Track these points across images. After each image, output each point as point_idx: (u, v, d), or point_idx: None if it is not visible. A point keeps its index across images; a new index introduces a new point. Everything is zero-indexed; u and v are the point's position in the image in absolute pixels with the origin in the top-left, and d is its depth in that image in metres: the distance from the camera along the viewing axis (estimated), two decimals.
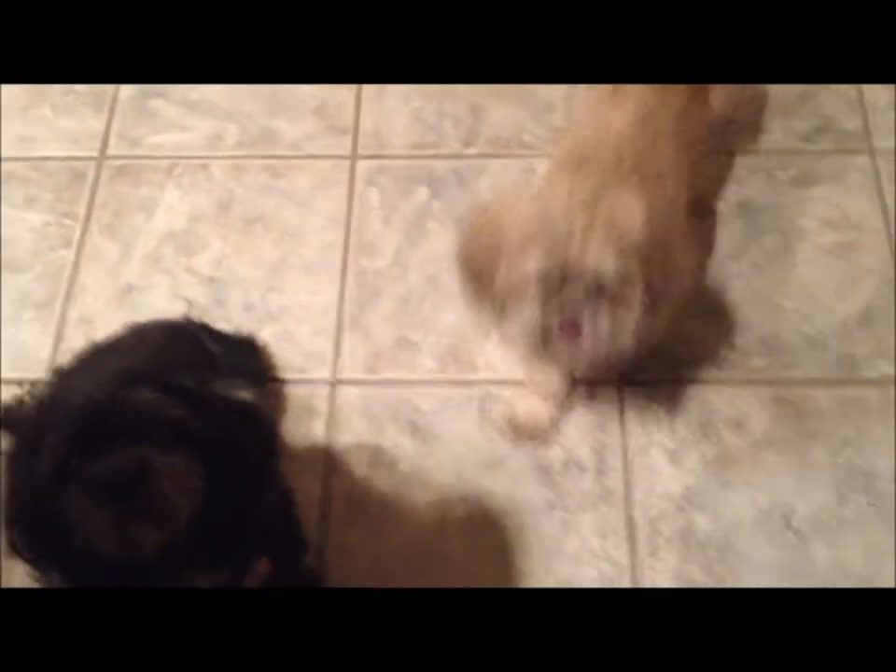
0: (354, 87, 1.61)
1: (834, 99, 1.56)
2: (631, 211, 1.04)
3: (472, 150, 1.56)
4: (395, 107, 1.59)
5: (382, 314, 1.42)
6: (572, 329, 1.04)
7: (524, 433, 1.32)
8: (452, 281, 1.44)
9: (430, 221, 1.50)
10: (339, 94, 1.60)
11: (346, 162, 1.55)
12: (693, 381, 1.35)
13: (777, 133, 1.54)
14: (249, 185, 1.53)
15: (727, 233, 1.46)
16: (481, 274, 1.11)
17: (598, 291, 1.02)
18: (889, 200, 1.47)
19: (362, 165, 1.55)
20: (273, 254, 1.47)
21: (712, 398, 1.34)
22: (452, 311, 1.42)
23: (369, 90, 1.61)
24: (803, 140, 1.54)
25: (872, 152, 1.52)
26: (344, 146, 1.56)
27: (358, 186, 1.53)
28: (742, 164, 1.51)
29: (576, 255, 1.01)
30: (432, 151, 1.56)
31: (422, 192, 1.52)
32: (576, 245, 1.01)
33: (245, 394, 1.12)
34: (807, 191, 1.49)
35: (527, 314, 1.05)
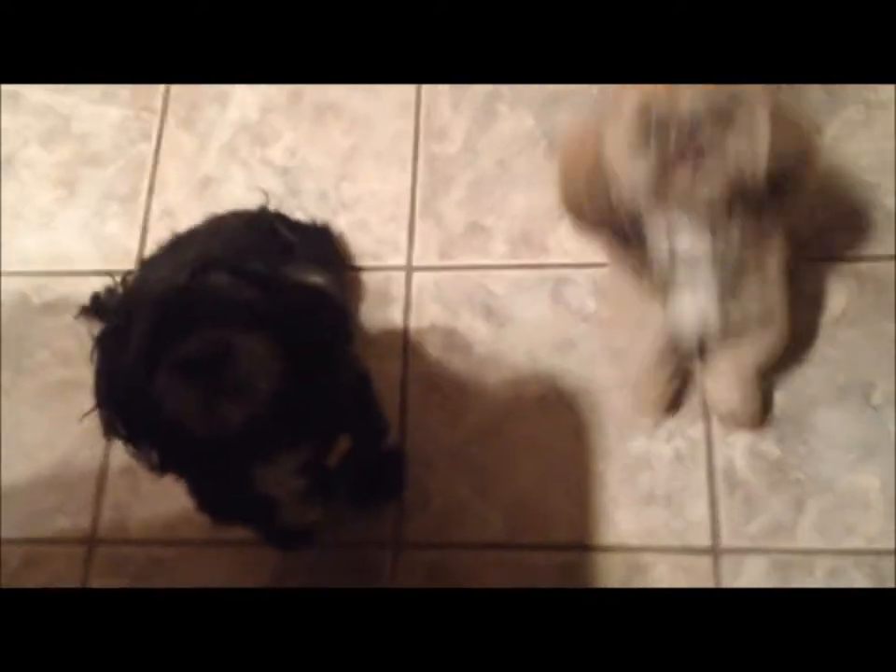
0: None
1: None
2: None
3: None
4: None
5: (453, 200, 1.42)
6: (693, 152, 0.97)
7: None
8: (522, 165, 1.44)
9: (499, 104, 1.48)
10: None
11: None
12: None
13: None
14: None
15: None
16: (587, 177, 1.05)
17: (712, 119, 0.96)
18: None
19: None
20: (345, 142, 1.48)
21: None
22: (522, 195, 1.41)
23: None
24: None
25: None
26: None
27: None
28: None
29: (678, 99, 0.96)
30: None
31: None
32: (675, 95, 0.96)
33: (320, 279, 1.15)
34: None
35: (638, 158, 0.98)
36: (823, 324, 1.29)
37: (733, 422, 1.23)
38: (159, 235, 1.34)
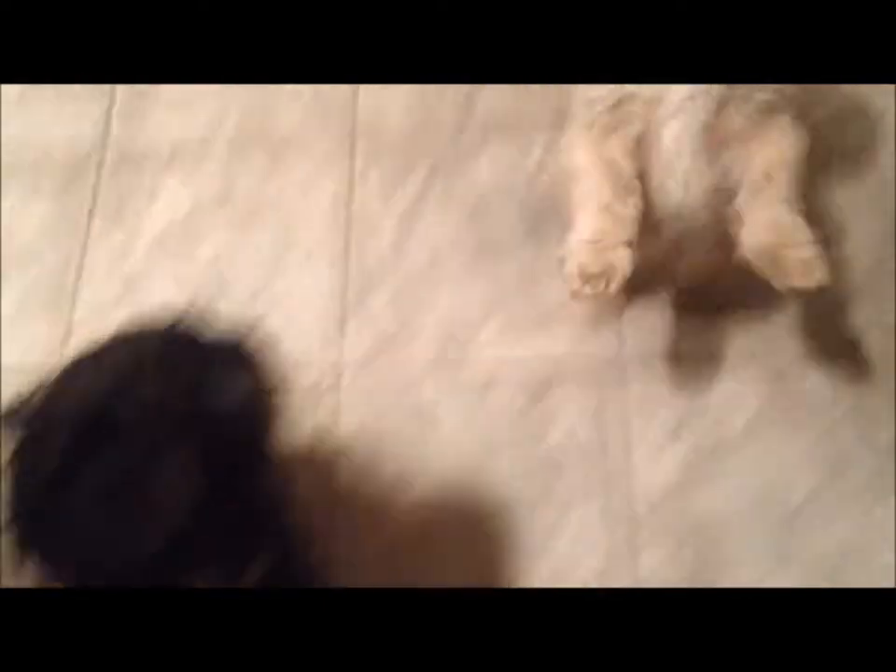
0: None
1: None
2: None
3: (470, 129, 1.56)
4: (393, 87, 1.59)
5: (383, 298, 1.43)
6: None
7: (592, 281, 1.07)
8: (452, 264, 1.46)
9: (430, 202, 1.50)
10: None
11: (346, 144, 1.55)
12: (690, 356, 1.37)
13: None
14: (250, 170, 1.54)
15: None
16: None
17: None
18: None
19: (361, 146, 1.55)
20: (275, 239, 1.49)
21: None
22: (452, 293, 1.43)
23: None
24: None
25: None
26: (344, 126, 1.57)
27: (358, 167, 1.54)
28: None
29: None
30: (431, 131, 1.56)
31: (421, 173, 1.53)
32: None
33: (245, 386, 1.14)
34: None
35: None
36: (733, 436, 1.31)
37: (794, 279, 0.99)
38: (83, 335, 1.31)
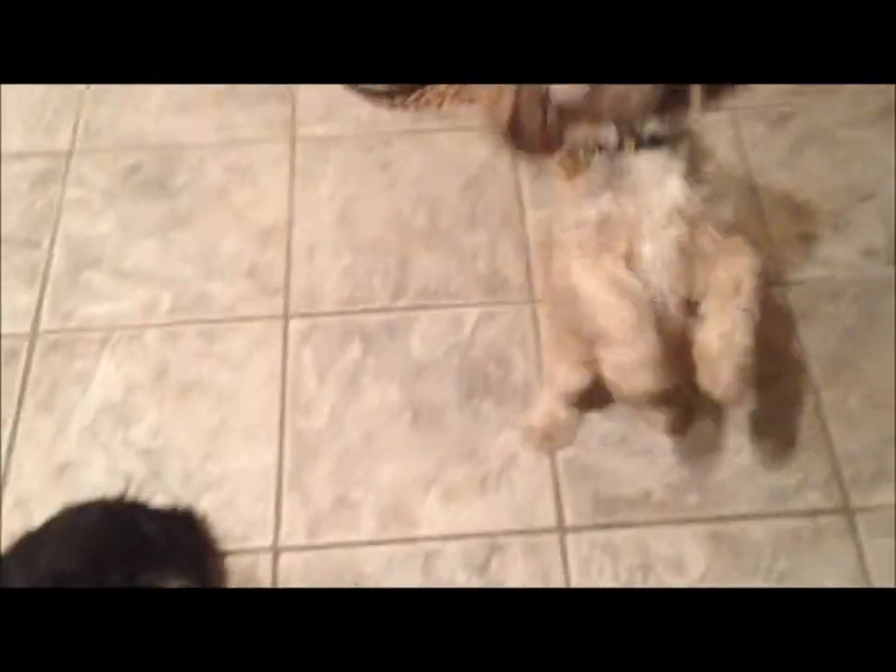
0: (284, 247, 1.66)
1: None
2: None
3: (402, 303, 1.60)
4: (325, 265, 1.64)
5: (321, 474, 1.43)
6: None
7: (545, 439, 1.36)
8: (389, 437, 1.47)
9: (364, 377, 1.52)
10: (269, 255, 1.65)
11: (279, 322, 1.58)
12: (631, 524, 1.38)
13: None
14: (184, 351, 1.55)
15: None
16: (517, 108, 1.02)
17: None
18: (802, 331, 1.54)
19: (295, 324, 1.58)
20: (210, 420, 1.48)
21: (650, 540, 1.37)
22: (391, 467, 1.43)
23: (299, 249, 1.66)
24: None
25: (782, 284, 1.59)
26: (277, 306, 1.59)
27: (292, 345, 1.56)
28: None
29: None
30: (363, 306, 1.60)
31: (355, 348, 1.55)
32: None
33: (178, 582, 1.12)
34: None
35: None
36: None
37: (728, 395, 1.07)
38: (11, 528, 1.28)
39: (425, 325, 1.58)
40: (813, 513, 1.37)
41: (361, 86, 1.85)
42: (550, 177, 1.11)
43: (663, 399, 1.13)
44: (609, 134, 1.02)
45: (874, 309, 1.55)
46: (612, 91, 0.97)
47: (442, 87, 1.86)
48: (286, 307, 1.59)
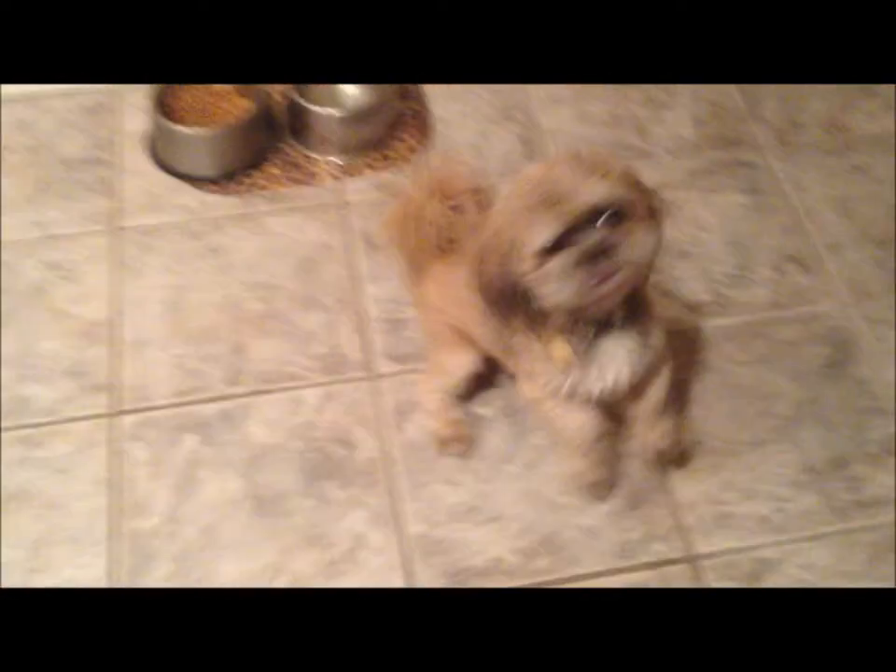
0: (106, 343, 1.60)
1: None
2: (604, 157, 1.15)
3: (238, 389, 1.56)
4: (155, 357, 1.58)
5: (158, 578, 1.35)
6: (604, 267, 1.10)
7: (596, 491, 1.43)
8: (230, 529, 1.41)
9: (202, 469, 1.47)
10: (92, 352, 1.58)
11: (105, 421, 1.51)
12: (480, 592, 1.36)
13: None
14: (4, 459, 1.46)
15: (495, 438, 1.51)
16: (502, 290, 1.16)
17: (610, 224, 1.09)
18: None
19: (125, 421, 1.51)
20: (35, 529, 1.39)
21: None
22: (233, 561, 1.38)
23: (126, 343, 1.60)
24: None
25: None
26: (102, 403, 1.53)
27: (121, 443, 1.48)
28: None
29: (577, 200, 1.08)
30: (197, 396, 1.55)
31: (190, 440, 1.50)
32: (574, 194, 1.09)
33: None
34: None
35: (559, 280, 1.10)
36: None
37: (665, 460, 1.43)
38: None
39: (264, 410, 1.54)
40: (659, 564, 1.39)
41: (187, 173, 1.83)
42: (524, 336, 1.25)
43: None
44: (589, 325, 1.21)
45: (701, 362, 1.61)
46: (597, 296, 1.13)
47: (272, 169, 1.86)
48: (112, 404, 1.53)
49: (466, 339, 1.45)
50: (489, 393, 1.56)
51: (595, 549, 1.40)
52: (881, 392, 1.57)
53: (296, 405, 1.55)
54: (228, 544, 1.39)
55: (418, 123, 1.96)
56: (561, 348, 1.22)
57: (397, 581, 1.37)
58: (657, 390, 1.35)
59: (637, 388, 1.31)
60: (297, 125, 1.89)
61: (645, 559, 1.39)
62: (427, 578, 1.37)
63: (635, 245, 1.11)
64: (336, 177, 1.86)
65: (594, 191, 1.09)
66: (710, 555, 1.40)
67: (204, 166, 1.83)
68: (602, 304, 1.16)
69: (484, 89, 2.01)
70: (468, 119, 1.96)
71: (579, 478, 1.43)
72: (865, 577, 1.37)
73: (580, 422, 1.34)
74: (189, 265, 1.72)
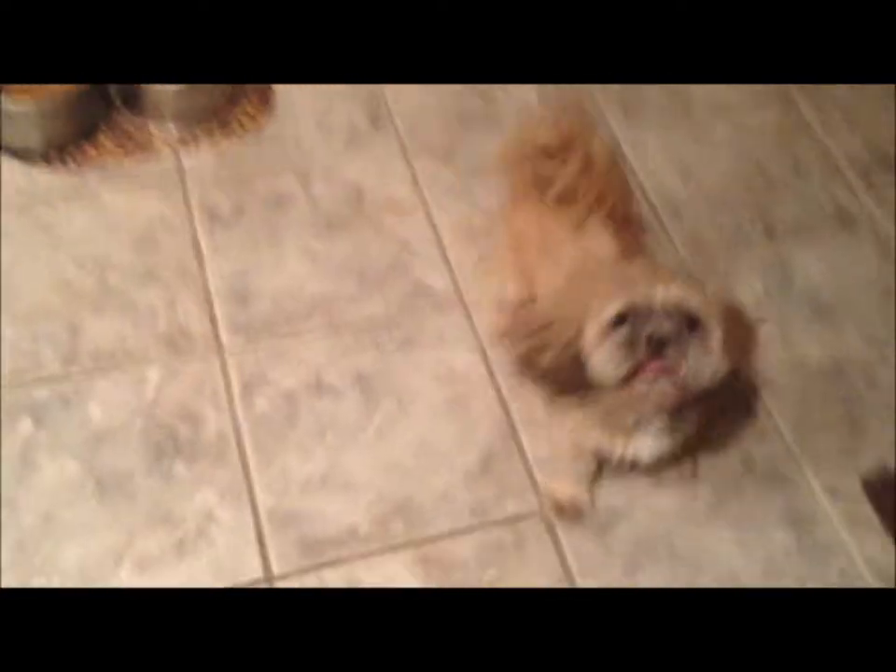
0: None
1: (423, 262, 1.69)
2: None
3: (75, 370, 1.49)
4: None
5: None
6: (660, 362, 1.10)
7: (566, 513, 1.41)
8: (72, 513, 1.35)
9: (38, 454, 1.39)
10: None
11: None
12: (341, 561, 1.35)
13: (377, 303, 1.63)
14: None
15: (346, 407, 1.50)
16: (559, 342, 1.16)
17: (681, 327, 1.10)
18: (487, 348, 1.59)
19: None
20: None
21: (361, 573, 1.34)
22: (75, 546, 1.32)
23: None
24: (401, 306, 1.63)
25: (465, 306, 1.64)
26: None
27: None
28: (353, 336, 1.58)
29: (658, 292, 1.09)
30: (30, 378, 1.47)
31: (24, 425, 1.42)
32: (656, 285, 1.10)
33: None
34: (415, 353, 1.58)
35: (614, 351, 1.11)
36: None
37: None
38: None
39: (103, 390, 1.47)
40: (513, 520, 1.41)
41: (12, 147, 1.72)
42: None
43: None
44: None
45: None
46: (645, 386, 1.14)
47: (105, 141, 1.78)
48: None
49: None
50: (342, 361, 1.55)
51: (449, 510, 1.41)
52: None
53: (138, 384, 1.49)
54: (69, 529, 1.33)
55: (259, 91, 1.91)
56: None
57: (251, 556, 1.34)
58: None
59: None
60: (130, 95, 1.81)
61: (498, 516, 1.41)
62: (282, 550, 1.35)
63: (698, 356, 1.10)
64: (173, 148, 1.80)
65: (670, 290, 1.10)
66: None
67: (31, 140, 1.73)
68: (648, 398, 1.15)
69: None
70: (311, 90, 1.92)
71: (562, 501, 1.42)
72: (709, 520, 1.43)
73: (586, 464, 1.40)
74: (18, 242, 1.62)
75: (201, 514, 1.37)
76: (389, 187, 1.78)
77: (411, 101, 1.93)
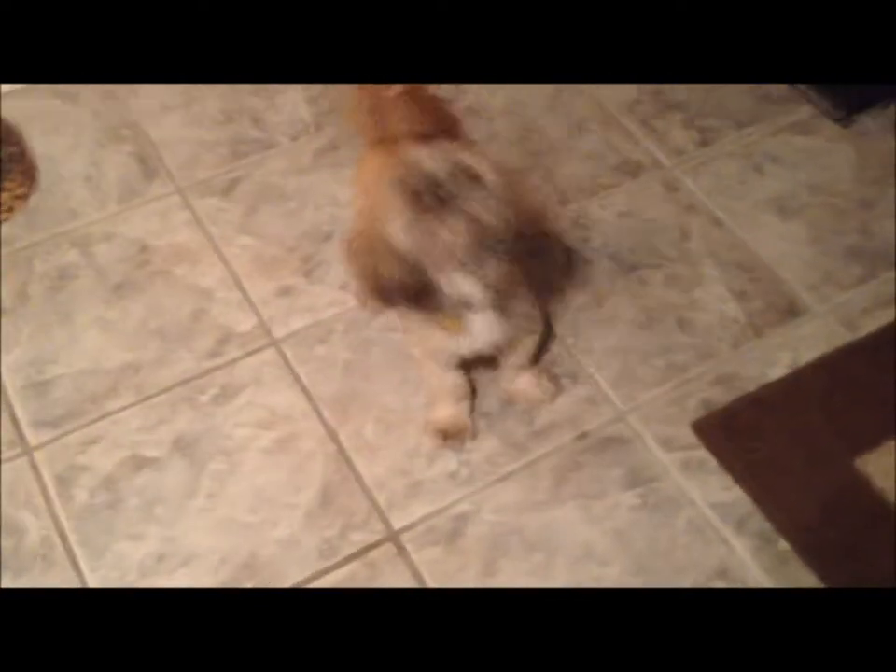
0: None
1: (224, 306, 1.63)
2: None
3: None
4: None
5: None
6: (445, 211, 1.14)
7: (448, 437, 1.47)
8: None
9: None
10: None
11: None
12: None
13: (185, 360, 1.57)
14: None
15: (171, 477, 1.44)
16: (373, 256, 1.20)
17: (463, 182, 1.14)
18: (305, 380, 1.54)
19: None
20: None
21: None
22: None
23: None
24: (210, 357, 1.57)
25: (275, 343, 1.59)
26: None
27: None
28: (165, 400, 1.51)
29: (434, 155, 1.15)
30: None
31: None
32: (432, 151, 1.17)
33: None
34: (233, 403, 1.52)
35: (406, 217, 1.14)
36: None
37: (533, 402, 1.53)
38: None
39: None
40: (363, 551, 1.37)
41: None
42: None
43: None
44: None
45: (364, 338, 1.60)
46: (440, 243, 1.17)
47: None
48: None
49: None
50: (158, 430, 1.48)
51: (298, 557, 1.37)
52: None
53: None
54: None
55: (21, 167, 1.80)
56: (452, 322, 1.29)
57: None
58: (524, 348, 1.46)
59: (504, 349, 1.42)
60: None
61: (348, 551, 1.38)
62: None
63: (484, 203, 1.14)
64: None
65: (447, 152, 1.17)
66: (409, 527, 1.40)
67: None
68: (448, 252, 1.17)
69: (82, 114, 1.89)
70: (74, 150, 1.84)
71: (443, 425, 1.48)
72: (554, 503, 1.43)
73: (452, 379, 1.45)
74: None
75: None
76: (173, 235, 1.72)
77: (178, 139, 1.86)
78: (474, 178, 1.16)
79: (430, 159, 1.16)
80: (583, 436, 1.49)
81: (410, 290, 1.20)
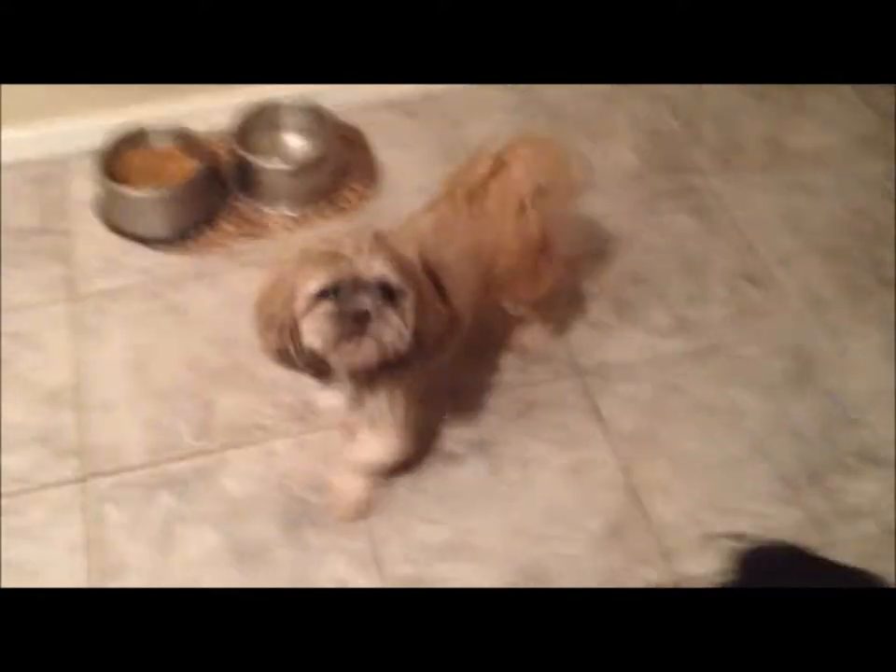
0: (73, 407, 1.58)
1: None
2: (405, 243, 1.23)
3: (209, 445, 1.55)
4: (122, 418, 1.57)
5: None
6: (361, 326, 1.17)
7: (345, 511, 1.48)
8: (214, 581, 1.39)
9: (179, 526, 1.45)
10: (60, 418, 1.56)
11: (78, 485, 1.48)
12: None
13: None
14: None
15: (471, 474, 1.53)
16: (278, 322, 1.21)
17: (382, 298, 1.17)
18: (606, 413, 1.60)
19: (97, 484, 1.49)
20: None
21: None
22: None
23: (93, 406, 1.58)
24: (520, 372, 1.66)
25: (580, 373, 1.66)
26: (74, 467, 1.50)
27: (94, 506, 1.46)
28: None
29: (360, 268, 1.16)
30: (169, 454, 1.53)
31: (165, 498, 1.48)
32: (359, 261, 1.16)
33: None
34: (533, 418, 1.60)
35: (321, 323, 1.17)
36: None
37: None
38: None
39: (237, 463, 1.53)
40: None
41: (140, 235, 1.82)
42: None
43: None
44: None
45: (664, 380, 1.64)
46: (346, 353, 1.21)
47: (225, 225, 1.86)
48: (83, 468, 1.50)
49: None
50: (464, 432, 1.58)
51: (578, 574, 1.42)
52: (850, 402, 1.63)
53: (268, 456, 1.54)
54: None
55: (365, 171, 1.99)
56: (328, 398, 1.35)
57: None
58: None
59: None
60: (245, 180, 1.90)
61: (631, 584, 1.40)
62: None
63: (391, 326, 1.18)
64: (289, 229, 1.88)
65: (371, 265, 1.17)
66: (697, 577, 1.42)
67: (157, 227, 1.83)
68: (353, 362, 1.22)
69: (425, 135, 2.05)
70: (412, 164, 1.99)
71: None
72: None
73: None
74: (150, 325, 1.71)
75: (334, 582, 1.41)
76: None
77: None
78: (391, 295, 1.17)
79: (359, 271, 1.16)
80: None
81: (308, 367, 1.25)
